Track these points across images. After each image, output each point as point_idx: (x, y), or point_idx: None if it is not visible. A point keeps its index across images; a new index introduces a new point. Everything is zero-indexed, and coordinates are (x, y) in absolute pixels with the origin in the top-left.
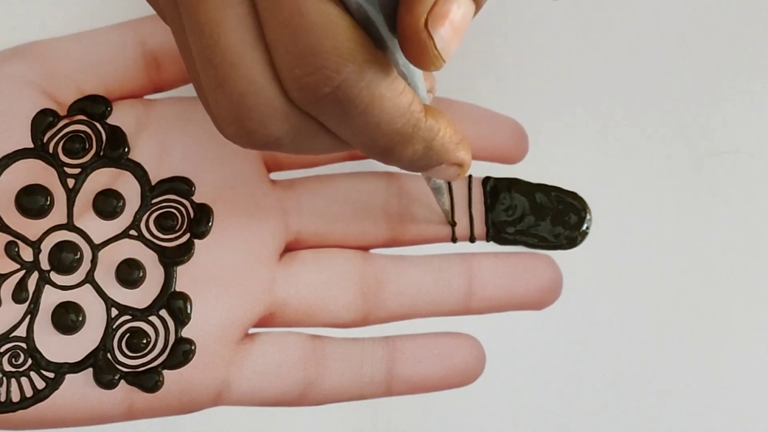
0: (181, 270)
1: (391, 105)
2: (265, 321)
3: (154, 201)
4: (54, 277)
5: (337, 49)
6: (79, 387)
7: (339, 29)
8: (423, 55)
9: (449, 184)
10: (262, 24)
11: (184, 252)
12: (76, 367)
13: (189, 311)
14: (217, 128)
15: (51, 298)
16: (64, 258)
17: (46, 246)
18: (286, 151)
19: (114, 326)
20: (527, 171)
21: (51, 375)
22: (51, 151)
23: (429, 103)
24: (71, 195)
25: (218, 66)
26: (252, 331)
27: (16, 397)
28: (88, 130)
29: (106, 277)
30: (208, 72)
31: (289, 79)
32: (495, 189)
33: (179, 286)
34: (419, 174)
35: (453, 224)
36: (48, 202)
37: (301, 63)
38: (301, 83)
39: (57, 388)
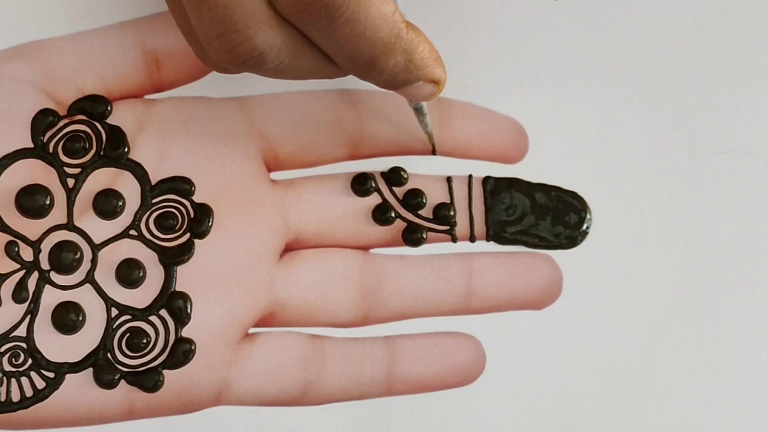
0: (181, 270)
1: (376, 11)
2: (265, 321)
3: (154, 201)
4: (54, 276)
5: None
6: (79, 387)
7: None
8: None
9: (449, 183)
10: None
11: (184, 252)
12: (76, 367)
13: (189, 311)
14: (197, 54)
15: (51, 297)
16: (64, 258)
17: (46, 246)
18: (267, 69)
19: (114, 326)
20: (527, 171)
21: (51, 375)
22: (51, 150)
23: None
24: (71, 195)
25: None
26: (252, 331)
27: (16, 397)
28: (88, 130)
29: (106, 276)
30: None
31: None
32: (495, 189)
33: (179, 285)
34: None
35: (434, 149)
36: (48, 202)
37: None
38: None
39: (57, 388)
